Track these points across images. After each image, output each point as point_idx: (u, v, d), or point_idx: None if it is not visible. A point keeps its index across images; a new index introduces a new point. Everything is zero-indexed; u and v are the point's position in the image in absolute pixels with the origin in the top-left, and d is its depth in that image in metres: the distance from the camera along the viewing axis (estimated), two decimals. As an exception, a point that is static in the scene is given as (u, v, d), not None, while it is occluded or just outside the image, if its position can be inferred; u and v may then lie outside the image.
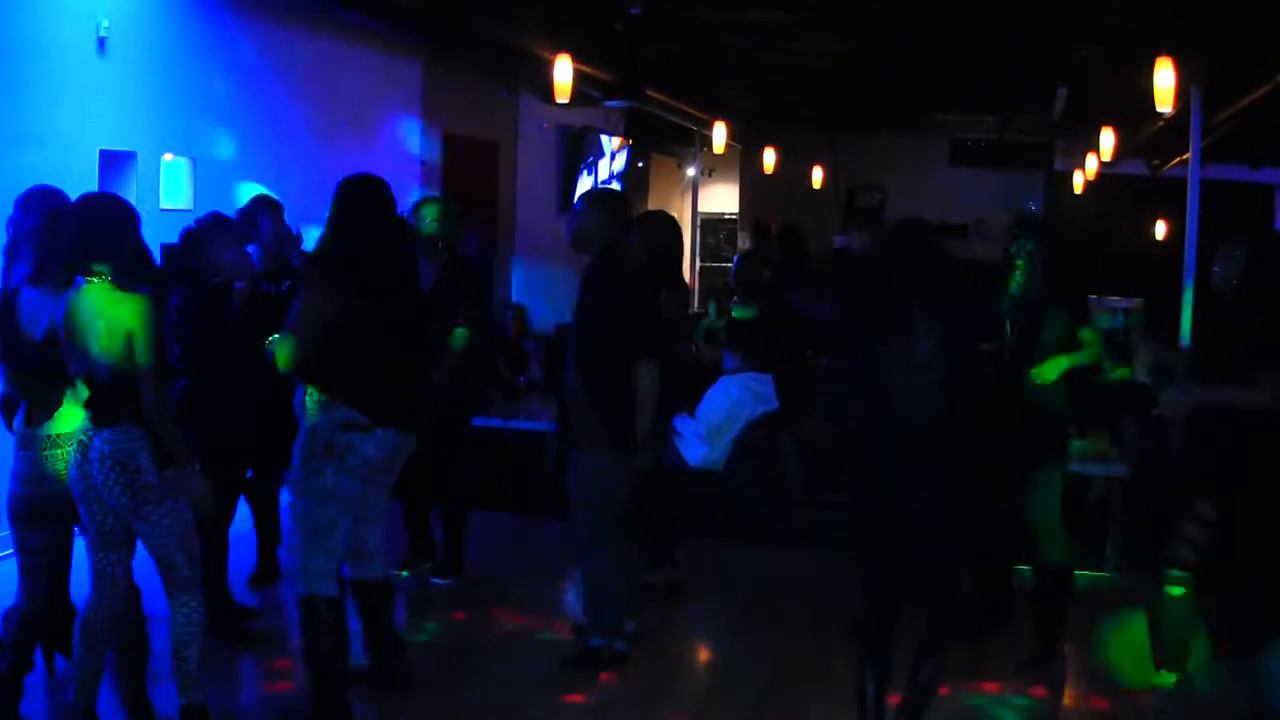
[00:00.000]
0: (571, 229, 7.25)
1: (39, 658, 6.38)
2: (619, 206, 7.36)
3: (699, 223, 24.48)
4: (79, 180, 8.71)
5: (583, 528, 7.14)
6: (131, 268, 5.76)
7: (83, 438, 5.61)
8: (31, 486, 5.93)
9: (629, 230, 7.28)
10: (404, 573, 8.57)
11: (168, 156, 10.12)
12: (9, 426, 6.15)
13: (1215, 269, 7.06)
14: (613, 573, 7.15)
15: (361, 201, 6.27)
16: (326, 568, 6.14)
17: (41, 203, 6.27)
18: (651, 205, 23.74)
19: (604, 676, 7.07)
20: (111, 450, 5.54)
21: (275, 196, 8.28)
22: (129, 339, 5.51)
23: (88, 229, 5.62)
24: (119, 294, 5.61)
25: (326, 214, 6.25)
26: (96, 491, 5.59)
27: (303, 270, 6.61)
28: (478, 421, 8.98)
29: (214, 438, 6.82)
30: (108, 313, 5.53)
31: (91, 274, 5.55)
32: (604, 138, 19.50)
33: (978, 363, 6.21)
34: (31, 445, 5.92)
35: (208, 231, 7.19)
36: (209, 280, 7.12)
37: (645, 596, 7.90)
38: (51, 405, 5.89)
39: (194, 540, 5.82)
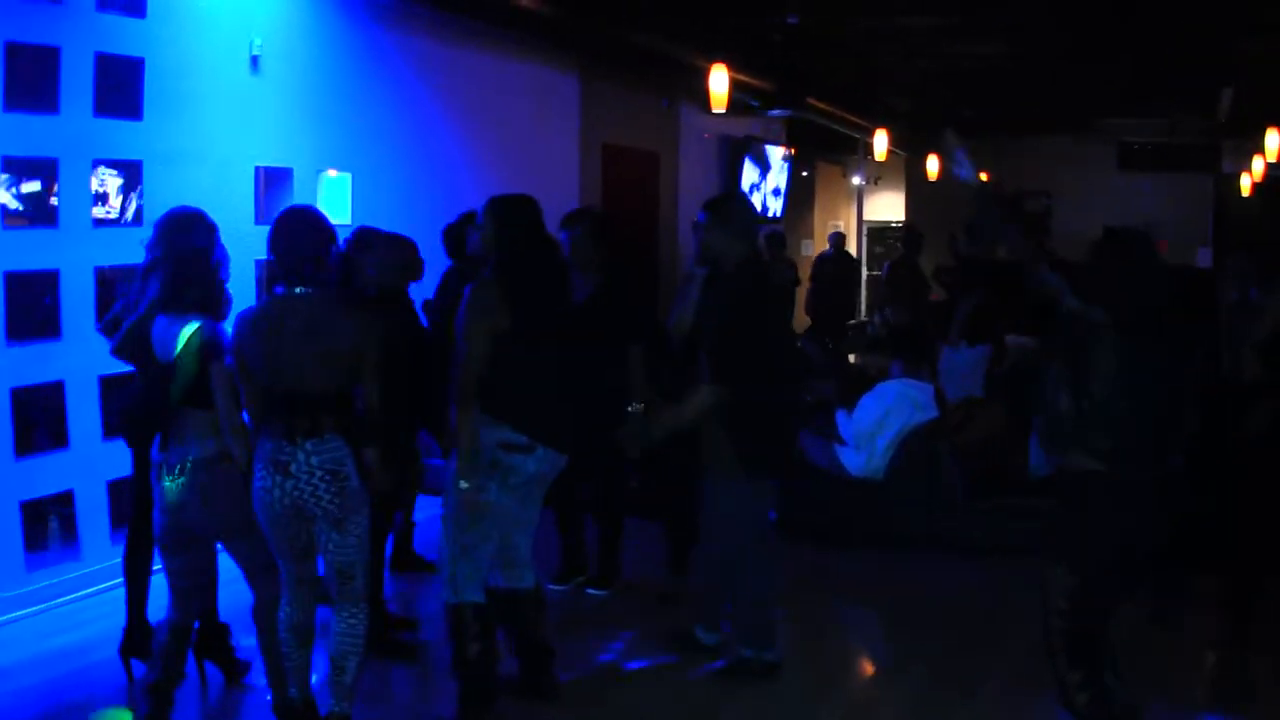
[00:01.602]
0: (696, 243, 7.10)
1: (192, 669, 6.45)
2: (745, 218, 7.17)
3: (865, 231, 24.34)
4: (237, 196, 8.90)
5: (724, 548, 7.06)
6: (335, 281, 6.02)
7: (279, 456, 5.63)
8: (169, 514, 5.94)
9: (758, 239, 7.11)
10: (559, 585, 8.54)
11: (331, 172, 10.23)
12: (130, 443, 6.22)
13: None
14: (758, 586, 7.06)
15: (516, 221, 6.26)
16: (474, 576, 6.18)
17: (175, 227, 6.34)
18: (818, 214, 23.71)
19: (755, 686, 6.97)
20: (321, 460, 5.62)
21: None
22: (353, 350, 5.66)
23: (296, 242, 5.74)
24: (339, 305, 5.78)
25: (480, 233, 6.25)
26: (298, 506, 5.65)
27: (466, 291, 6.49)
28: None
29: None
30: (331, 324, 5.66)
31: (303, 285, 5.68)
32: (767, 147, 19.37)
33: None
34: (164, 473, 5.92)
35: (355, 246, 7.25)
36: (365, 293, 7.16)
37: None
38: (176, 430, 5.91)
39: (368, 550, 5.90)
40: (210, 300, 5.94)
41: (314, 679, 6.06)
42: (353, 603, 5.85)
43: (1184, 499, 5.61)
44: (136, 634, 6.81)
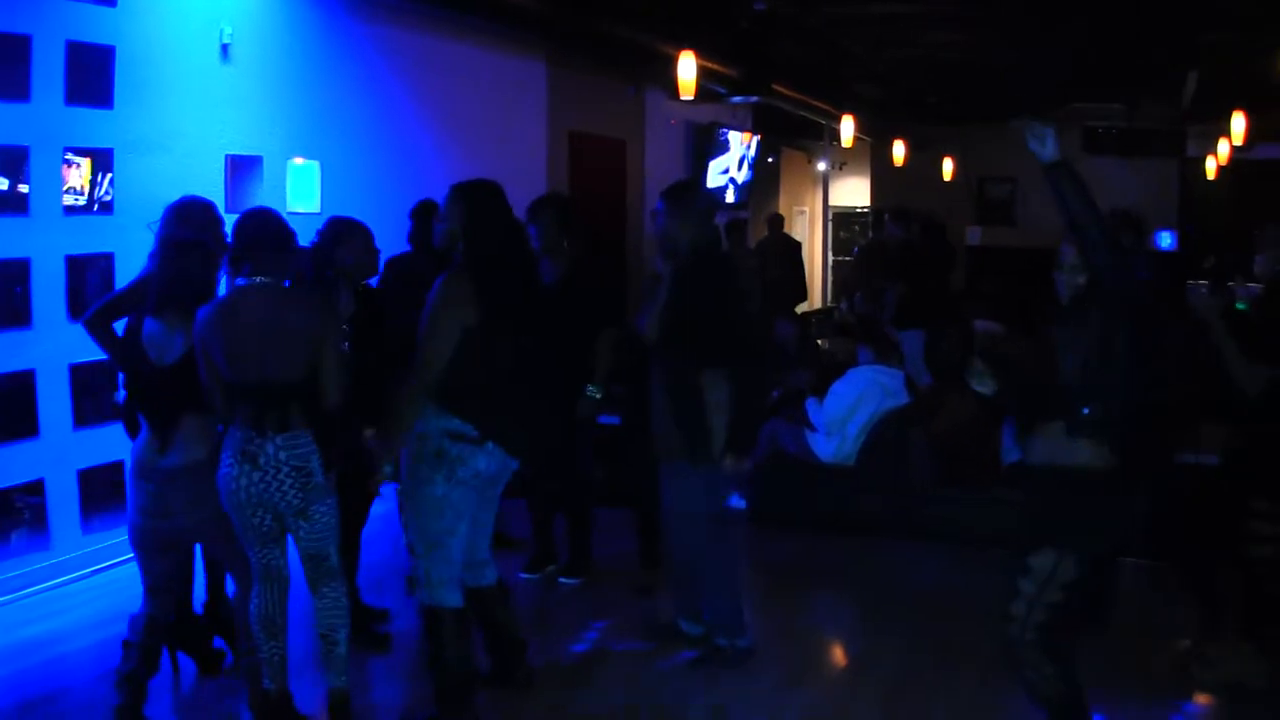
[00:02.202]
0: (655, 231, 7.13)
1: (165, 660, 6.44)
2: (701, 203, 7.16)
3: (830, 216, 24.35)
4: (207, 184, 8.86)
5: (684, 536, 7.07)
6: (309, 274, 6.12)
7: (248, 447, 5.65)
8: (153, 519, 5.94)
9: (712, 227, 7.12)
10: (531, 574, 8.55)
11: (298, 160, 10.19)
12: (132, 436, 6.21)
13: (1256, 258, 6.88)
14: (720, 575, 7.08)
15: (486, 210, 6.07)
16: (448, 577, 6.04)
17: (178, 217, 6.34)
18: (783, 199, 23.71)
19: (729, 675, 6.99)
20: (288, 456, 5.66)
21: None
22: (312, 340, 5.68)
23: (251, 237, 5.77)
24: (297, 297, 5.85)
25: (444, 223, 6.11)
26: (263, 497, 5.68)
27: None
28: (603, 419, 8.91)
29: (351, 436, 6.70)
30: (290, 316, 5.70)
31: (262, 276, 5.71)
32: (732, 133, 19.35)
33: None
34: (152, 477, 5.92)
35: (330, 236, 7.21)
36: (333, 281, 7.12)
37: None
38: (175, 435, 5.91)
39: (338, 531, 5.94)
40: (204, 300, 5.90)
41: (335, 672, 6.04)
42: (330, 580, 5.92)
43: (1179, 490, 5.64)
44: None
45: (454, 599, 6.07)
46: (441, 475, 5.88)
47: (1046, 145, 5.34)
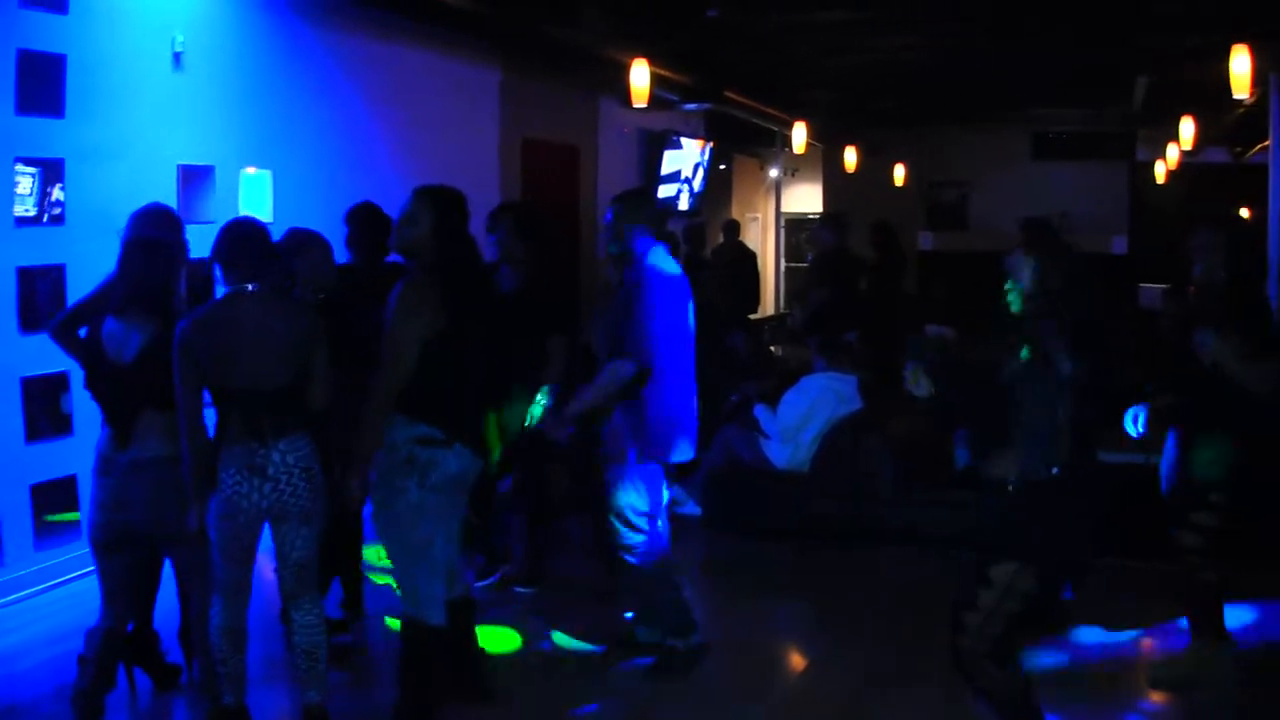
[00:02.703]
0: (605, 238, 7.17)
1: (121, 676, 6.40)
2: (653, 209, 7.22)
3: (783, 223, 24.38)
4: (158, 195, 8.73)
5: (625, 537, 7.06)
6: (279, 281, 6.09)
7: (254, 460, 5.65)
8: (109, 512, 5.94)
9: (662, 233, 7.14)
10: (485, 583, 8.51)
11: (249, 169, 10.12)
12: None
13: (1195, 266, 6.91)
14: (664, 575, 7.09)
15: (454, 216, 6.06)
16: (433, 591, 6.00)
17: (140, 223, 6.32)
18: (735, 206, 23.69)
19: (687, 678, 7.00)
20: (295, 459, 5.71)
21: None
22: (305, 346, 5.74)
23: (235, 246, 5.79)
24: (288, 304, 5.90)
25: (409, 227, 6.02)
26: (273, 508, 5.71)
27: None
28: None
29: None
30: (280, 322, 5.73)
31: (253, 284, 5.72)
32: (685, 140, 19.34)
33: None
34: (112, 471, 5.92)
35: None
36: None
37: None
38: (134, 430, 5.90)
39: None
40: (168, 301, 5.92)
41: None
42: (309, 590, 5.95)
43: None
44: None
45: (437, 617, 6.02)
46: (414, 481, 5.86)
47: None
